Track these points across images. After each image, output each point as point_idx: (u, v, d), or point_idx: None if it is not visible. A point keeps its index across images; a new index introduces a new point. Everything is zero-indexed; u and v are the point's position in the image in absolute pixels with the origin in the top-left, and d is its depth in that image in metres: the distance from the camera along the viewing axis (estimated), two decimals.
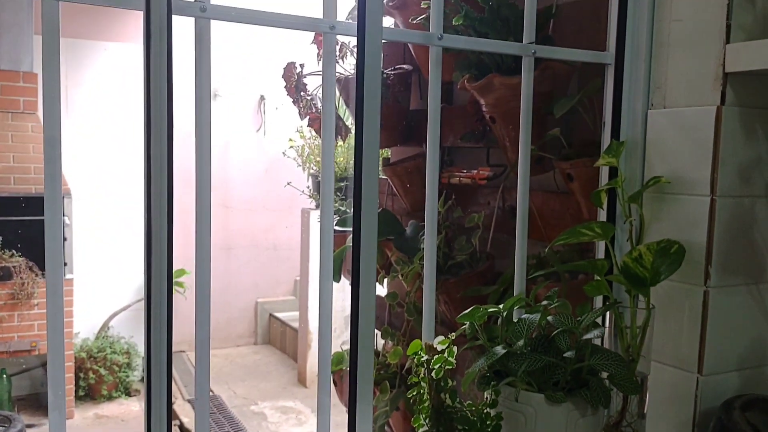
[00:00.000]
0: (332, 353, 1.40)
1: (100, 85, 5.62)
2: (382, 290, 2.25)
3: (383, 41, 1.02)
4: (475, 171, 2.01)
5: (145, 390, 0.93)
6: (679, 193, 1.17)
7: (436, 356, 0.94)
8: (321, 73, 2.28)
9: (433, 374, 0.95)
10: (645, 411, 1.16)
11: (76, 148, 5.48)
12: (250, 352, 6.33)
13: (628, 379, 1.07)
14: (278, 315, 6.46)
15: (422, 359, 0.98)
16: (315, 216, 5.03)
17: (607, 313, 1.17)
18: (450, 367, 0.95)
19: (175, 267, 1.08)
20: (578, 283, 1.49)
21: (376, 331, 2.32)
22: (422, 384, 1.00)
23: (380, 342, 2.26)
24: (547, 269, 1.56)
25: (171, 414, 0.95)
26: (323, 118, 1.11)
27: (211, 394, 5.32)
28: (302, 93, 2.21)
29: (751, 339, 1.19)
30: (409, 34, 1.18)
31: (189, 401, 5.11)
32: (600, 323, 1.10)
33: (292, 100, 2.24)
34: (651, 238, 1.20)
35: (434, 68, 1.14)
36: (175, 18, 0.90)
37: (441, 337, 0.99)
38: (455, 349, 0.96)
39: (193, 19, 0.96)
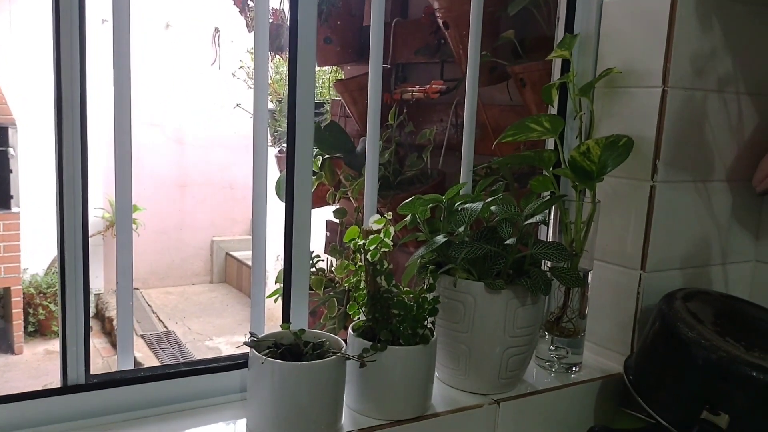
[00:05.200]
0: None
1: (45, 11, 5.33)
2: (333, 209, 2.20)
3: None
4: (428, 85, 1.95)
5: (60, 331, 0.86)
6: (631, 85, 1.13)
7: (372, 237, 0.90)
8: None
9: (368, 257, 0.91)
10: (586, 310, 1.14)
11: (21, 73, 5.21)
12: (206, 290, 6.27)
13: (571, 271, 1.04)
14: (234, 254, 6.39)
15: (359, 244, 0.93)
16: (272, 153, 4.91)
17: (552, 210, 1.14)
18: (386, 249, 0.91)
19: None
20: (527, 192, 1.46)
21: (324, 255, 2.27)
22: (359, 271, 0.96)
23: (328, 267, 2.22)
24: (495, 176, 1.52)
25: (89, 352, 0.88)
26: (256, 13, 1.02)
27: (165, 329, 5.26)
28: (249, 2, 2.10)
29: (696, 238, 1.18)
30: None
31: (142, 337, 5.05)
32: (544, 214, 1.07)
33: (238, 10, 2.13)
34: (601, 135, 1.16)
35: None
36: None
37: (377, 216, 0.95)
38: (392, 229, 0.91)
39: None
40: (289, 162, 1.02)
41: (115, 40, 0.89)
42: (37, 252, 5.42)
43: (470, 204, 1.03)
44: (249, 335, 0.88)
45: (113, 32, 0.89)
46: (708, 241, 1.19)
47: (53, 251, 5.61)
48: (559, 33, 1.25)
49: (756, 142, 1.19)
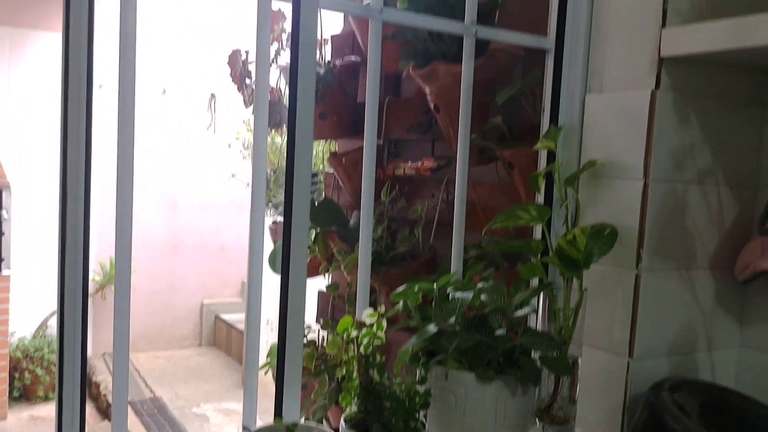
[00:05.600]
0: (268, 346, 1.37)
1: (43, 75, 5.44)
2: (326, 282, 2.22)
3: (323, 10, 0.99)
4: (420, 163, 2.00)
5: (57, 397, 0.87)
6: (614, 177, 1.18)
7: (365, 330, 0.92)
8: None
9: (361, 350, 0.92)
10: (576, 396, 1.16)
11: (16, 139, 5.28)
12: (195, 354, 6.19)
13: (560, 360, 1.06)
14: (224, 317, 6.34)
15: (351, 336, 0.95)
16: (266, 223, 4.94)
17: (541, 296, 1.16)
18: (379, 343, 0.93)
19: None
20: (517, 272, 1.49)
21: (316, 325, 2.28)
22: (352, 362, 0.97)
23: (319, 339, 2.22)
24: (487, 259, 1.55)
25: (84, 418, 0.89)
26: (256, 91, 1.07)
27: (152, 395, 5.17)
28: (247, 80, 2.17)
29: (681, 325, 1.20)
30: (349, 5, 1.15)
31: (129, 403, 4.96)
32: (533, 304, 1.09)
33: (236, 86, 2.19)
34: (586, 222, 1.20)
35: (374, 42, 1.12)
36: None
37: (370, 310, 0.97)
38: (385, 323, 0.93)
39: None
40: (285, 236, 1.04)
41: (120, 106, 0.92)
42: (26, 315, 5.37)
43: (461, 294, 1.05)
44: (243, 430, 0.88)
45: (118, 98, 0.92)
46: (693, 327, 1.22)
47: (42, 314, 5.56)
48: (545, 123, 1.31)
49: (736, 233, 1.23)
